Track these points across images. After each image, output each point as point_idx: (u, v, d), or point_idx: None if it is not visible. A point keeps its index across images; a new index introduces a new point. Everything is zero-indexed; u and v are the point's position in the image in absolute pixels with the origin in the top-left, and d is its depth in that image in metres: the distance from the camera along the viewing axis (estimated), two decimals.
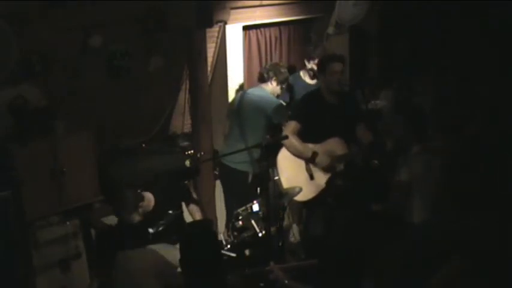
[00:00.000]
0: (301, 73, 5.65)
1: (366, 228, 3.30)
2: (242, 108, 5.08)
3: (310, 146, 4.60)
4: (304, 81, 5.58)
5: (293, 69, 5.88)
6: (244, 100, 5.10)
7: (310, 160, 4.54)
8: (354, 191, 4.60)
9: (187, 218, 4.58)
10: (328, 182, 4.57)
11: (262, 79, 5.19)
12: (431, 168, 3.80)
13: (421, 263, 2.81)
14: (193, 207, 4.55)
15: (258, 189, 4.75)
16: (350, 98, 4.84)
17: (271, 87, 5.14)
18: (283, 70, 5.19)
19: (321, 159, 4.53)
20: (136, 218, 4.04)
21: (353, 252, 3.18)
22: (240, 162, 4.97)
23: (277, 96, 5.25)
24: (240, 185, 5.05)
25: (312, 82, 5.54)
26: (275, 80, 5.11)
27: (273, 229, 4.13)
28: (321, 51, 5.45)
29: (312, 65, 5.49)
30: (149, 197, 4.14)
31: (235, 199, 4.89)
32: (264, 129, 5.00)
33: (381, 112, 5.41)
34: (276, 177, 4.67)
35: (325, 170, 4.55)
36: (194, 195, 4.93)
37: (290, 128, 4.60)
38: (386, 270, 2.95)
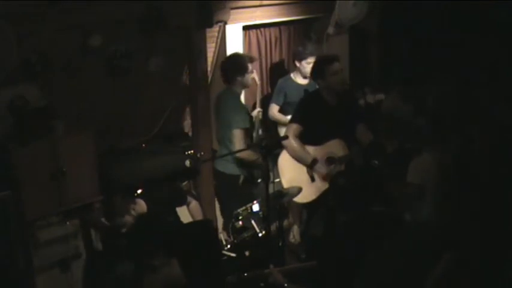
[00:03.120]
0: (292, 75, 5.58)
1: (366, 229, 3.31)
2: (217, 111, 5.06)
3: (311, 148, 4.59)
4: (296, 83, 5.52)
5: (283, 66, 5.87)
6: (218, 101, 5.06)
7: (309, 166, 4.56)
8: (354, 192, 4.60)
9: (188, 219, 4.59)
10: (329, 182, 4.58)
11: (225, 80, 4.99)
12: (440, 168, 3.80)
13: (419, 262, 2.82)
14: (193, 207, 4.55)
15: (253, 191, 4.73)
16: (350, 98, 4.84)
17: (238, 84, 4.90)
18: (240, 59, 4.91)
19: (319, 167, 4.54)
20: (130, 220, 4.03)
21: (353, 252, 3.18)
22: (225, 164, 4.90)
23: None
24: (229, 189, 4.96)
25: (304, 82, 5.52)
26: (238, 75, 4.87)
27: (273, 229, 4.13)
28: (312, 50, 5.41)
29: (303, 64, 5.42)
30: (141, 204, 4.14)
31: (227, 204, 4.86)
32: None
33: (379, 106, 5.40)
34: (277, 180, 4.67)
35: (322, 179, 4.55)
36: (194, 195, 4.94)
37: (291, 130, 4.60)
38: (384, 269, 2.95)
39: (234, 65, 4.87)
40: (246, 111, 4.93)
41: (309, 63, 5.38)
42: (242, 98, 5.36)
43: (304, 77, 5.49)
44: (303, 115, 4.63)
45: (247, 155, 4.65)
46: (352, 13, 5.70)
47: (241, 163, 4.81)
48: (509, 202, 3.16)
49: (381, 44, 6.29)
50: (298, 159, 4.60)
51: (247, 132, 4.85)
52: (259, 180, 4.75)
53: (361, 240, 3.25)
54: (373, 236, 3.24)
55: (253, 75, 5.04)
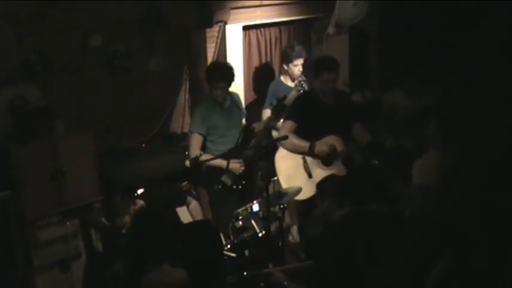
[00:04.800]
0: (282, 78, 5.51)
1: (365, 229, 3.30)
2: None
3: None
4: (286, 85, 5.44)
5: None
6: None
7: (309, 152, 4.51)
8: (353, 192, 4.58)
9: (188, 219, 4.59)
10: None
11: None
12: (442, 167, 3.81)
13: (419, 262, 2.81)
14: (193, 207, 4.55)
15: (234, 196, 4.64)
16: (346, 97, 4.83)
17: (211, 91, 4.70)
18: (212, 70, 4.69)
19: (320, 147, 4.50)
20: (129, 222, 4.02)
21: (350, 252, 3.18)
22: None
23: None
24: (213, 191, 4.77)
25: (294, 85, 5.49)
26: (208, 83, 4.67)
27: (273, 229, 4.12)
28: (300, 52, 5.36)
29: (291, 67, 5.35)
30: (141, 205, 4.13)
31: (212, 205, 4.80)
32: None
33: (369, 102, 5.38)
34: (275, 178, 4.65)
35: (324, 161, 4.51)
36: (194, 195, 4.93)
37: (286, 127, 4.58)
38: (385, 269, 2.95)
39: (207, 72, 4.71)
40: (203, 117, 4.63)
41: (295, 65, 5.34)
42: (242, 100, 5.33)
43: (293, 80, 5.43)
44: (298, 113, 4.61)
45: (216, 161, 4.43)
46: (352, 13, 5.70)
47: (207, 168, 4.63)
48: (510, 202, 3.15)
49: (380, 44, 6.29)
50: (296, 149, 4.55)
51: (204, 139, 4.65)
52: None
53: (360, 240, 3.25)
54: (372, 236, 3.24)
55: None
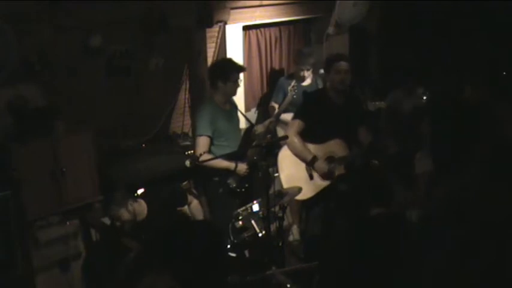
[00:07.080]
0: (290, 76, 5.59)
1: (367, 234, 3.30)
2: None
3: (312, 146, 4.59)
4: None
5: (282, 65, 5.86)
6: None
7: (309, 164, 4.53)
8: (354, 194, 4.58)
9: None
10: (330, 187, 4.55)
11: (210, 85, 4.61)
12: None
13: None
14: (194, 207, 4.54)
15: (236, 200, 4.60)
16: (355, 98, 4.83)
17: (220, 91, 4.49)
18: (225, 66, 4.54)
19: (319, 165, 4.51)
20: (125, 215, 4.00)
21: (353, 258, 3.17)
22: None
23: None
24: (213, 193, 4.65)
25: (305, 83, 5.49)
26: (219, 81, 4.47)
27: (273, 229, 4.12)
28: (307, 58, 5.40)
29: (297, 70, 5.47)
30: (142, 204, 4.13)
31: (212, 208, 4.70)
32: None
33: (380, 112, 5.39)
34: (276, 174, 4.65)
35: (322, 177, 4.53)
36: (195, 194, 4.93)
37: (294, 126, 4.57)
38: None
39: (218, 70, 4.54)
40: (211, 120, 4.45)
41: (301, 69, 5.43)
42: (242, 100, 5.33)
43: (303, 80, 5.48)
44: (308, 112, 4.59)
45: (216, 162, 4.36)
46: (352, 13, 5.70)
47: (213, 171, 4.47)
48: (510, 202, 3.16)
49: (380, 44, 6.29)
50: (299, 156, 4.57)
51: (211, 140, 4.48)
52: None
53: (361, 243, 3.24)
54: (373, 238, 3.24)
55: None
